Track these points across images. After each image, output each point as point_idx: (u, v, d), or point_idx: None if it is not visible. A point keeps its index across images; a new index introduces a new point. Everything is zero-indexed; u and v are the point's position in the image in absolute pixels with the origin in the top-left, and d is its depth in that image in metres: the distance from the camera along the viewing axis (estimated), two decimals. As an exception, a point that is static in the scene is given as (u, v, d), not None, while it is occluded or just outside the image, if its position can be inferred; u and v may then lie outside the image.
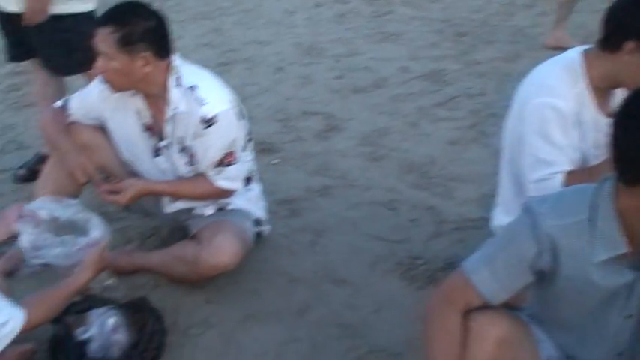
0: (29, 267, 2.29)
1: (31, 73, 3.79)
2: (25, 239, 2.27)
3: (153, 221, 3.22)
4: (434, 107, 4.55)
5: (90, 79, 3.40)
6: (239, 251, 2.70)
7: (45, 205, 2.32)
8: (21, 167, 3.73)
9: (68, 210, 2.36)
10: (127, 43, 2.49)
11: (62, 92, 3.69)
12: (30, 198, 3.44)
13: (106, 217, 3.26)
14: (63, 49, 3.41)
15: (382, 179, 3.68)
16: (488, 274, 1.81)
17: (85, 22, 3.40)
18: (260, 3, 7.02)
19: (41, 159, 3.70)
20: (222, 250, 2.65)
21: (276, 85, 4.95)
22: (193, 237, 2.86)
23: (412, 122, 4.33)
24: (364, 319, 2.70)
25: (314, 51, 5.58)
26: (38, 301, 2.05)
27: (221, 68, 5.20)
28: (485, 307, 1.85)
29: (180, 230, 3.10)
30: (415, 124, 4.31)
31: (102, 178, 2.68)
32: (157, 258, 2.88)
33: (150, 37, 2.53)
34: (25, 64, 3.84)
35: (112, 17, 2.52)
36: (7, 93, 4.94)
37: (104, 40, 2.49)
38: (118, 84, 2.60)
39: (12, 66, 5.03)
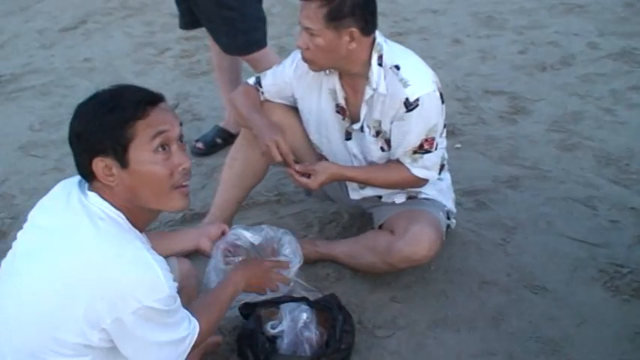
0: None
1: (204, 39, 3.68)
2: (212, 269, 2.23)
3: (333, 206, 3.10)
4: (628, 91, 4.16)
5: (254, 65, 3.30)
6: (436, 243, 2.53)
7: (239, 234, 2.27)
8: (198, 140, 3.68)
9: (261, 234, 2.32)
10: (335, 18, 2.31)
11: (237, 63, 3.61)
12: (209, 174, 3.44)
13: (284, 199, 3.23)
14: (225, 27, 3.28)
15: (577, 171, 3.38)
16: None
17: (251, 2, 3.28)
18: (432, -33, 6.74)
19: (219, 132, 3.66)
20: (419, 240, 2.49)
21: (454, 59, 4.69)
22: (381, 226, 2.72)
23: (606, 107, 3.97)
24: (565, 334, 2.47)
25: (493, 22, 5.27)
26: (205, 310, 1.90)
27: (395, 39, 4.95)
28: None
29: (362, 216, 2.98)
30: (609, 109, 3.95)
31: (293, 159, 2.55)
32: (343, 247, 2.76)
33: (359, 10, 2.35)
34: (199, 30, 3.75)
35: None
36: (179, 59, 4.92)
37: (311, 15, 2.32)
38: (319, 62, 2.44)
39: (183, 31, 5.02)
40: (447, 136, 2.68)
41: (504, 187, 3.27)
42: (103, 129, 1.65)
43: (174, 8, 3.55)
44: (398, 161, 2.55)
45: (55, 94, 4.52)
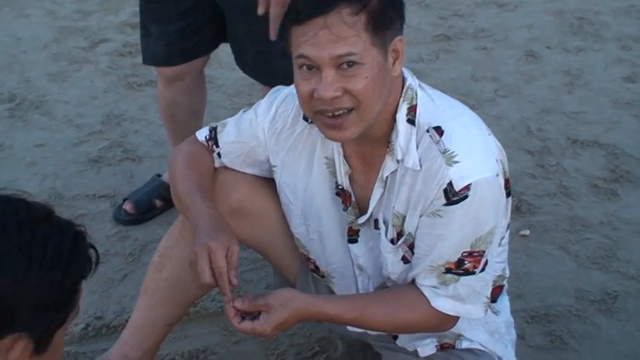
0: None
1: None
2: None
3: (320, 328, 2.68)
4: None
5: None
6: None
7: None
8: (126, 199, 3.26)
9: None
10: (382, 26, 1.85)
11: (199, 115, 3.24)
12: (135, 255, 3.03)
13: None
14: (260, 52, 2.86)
15: None
16: None
17: None
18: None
19: (159, 188, 3.25)
20: None
21: (527, 84, 4.32)
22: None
23: None
24: None
25: (587, 26, 4.93)
26: None
27: (439, 45, 4.58)
28: None
29: (365, 351, 2.58)
30: None
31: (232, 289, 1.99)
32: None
33: (402, 8, 1.92)
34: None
35: None
36: (117, 57, 4.65)
37: (344, 31, 1.81)
38: (371, 113, 1.90)
39: (129, 15, 4.69)
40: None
41: (595, 312, 2.83)
42: None
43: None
44: (413, 285, 2.05)
45: None
